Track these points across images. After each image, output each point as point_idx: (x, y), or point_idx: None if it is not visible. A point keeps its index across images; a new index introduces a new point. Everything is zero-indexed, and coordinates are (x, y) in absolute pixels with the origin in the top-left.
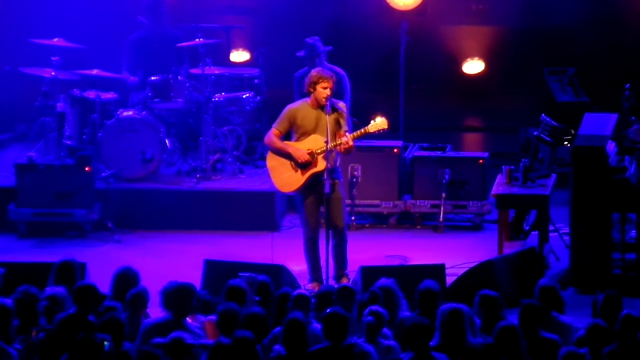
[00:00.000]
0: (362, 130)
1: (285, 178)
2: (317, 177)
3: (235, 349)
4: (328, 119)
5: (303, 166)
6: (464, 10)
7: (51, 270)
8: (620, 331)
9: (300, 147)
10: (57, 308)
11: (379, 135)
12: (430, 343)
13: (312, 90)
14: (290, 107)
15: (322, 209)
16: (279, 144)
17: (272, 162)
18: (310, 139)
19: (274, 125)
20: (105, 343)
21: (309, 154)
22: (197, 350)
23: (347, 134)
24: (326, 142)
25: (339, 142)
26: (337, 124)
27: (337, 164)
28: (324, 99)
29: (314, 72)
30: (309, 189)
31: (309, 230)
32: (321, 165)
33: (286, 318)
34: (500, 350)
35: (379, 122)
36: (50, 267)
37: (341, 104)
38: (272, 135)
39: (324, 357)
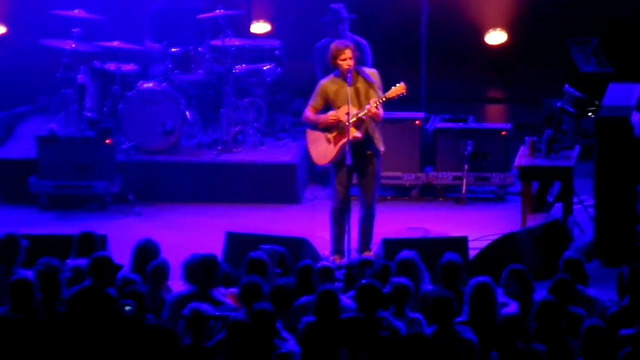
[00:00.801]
0: (382, 97)
1: (320, 151)
2: (351, 147)
3: (254, 323)
4: (349, 90)
5: (333, 129)
6: None
7: (72, 242)
8: None
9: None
10: (81, 280)
11: (401, 106)
12: (459, 318)
13: (335, 65)
14: (322, 82)
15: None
16: (312, 116)
17: (310, 136)
18: (341, 110)
19: (309, 102)
20: (127, 308)
21: (337, 121)
22: (215, 321)
23: (370, 102)
24: (347, 113)
25: (364, 111)
26: (371, 91)
27: (374, 135)
28: (345, 71)
29: (332, 46)
30: (343, 160)
31: (337, 200)
32: (350, 135)
33: (319, 289)
34: (527, 322)
35: (397, 87)
36: (71, 239)
37: (370, 72)
38: (307, 112)
39: (354, 327)
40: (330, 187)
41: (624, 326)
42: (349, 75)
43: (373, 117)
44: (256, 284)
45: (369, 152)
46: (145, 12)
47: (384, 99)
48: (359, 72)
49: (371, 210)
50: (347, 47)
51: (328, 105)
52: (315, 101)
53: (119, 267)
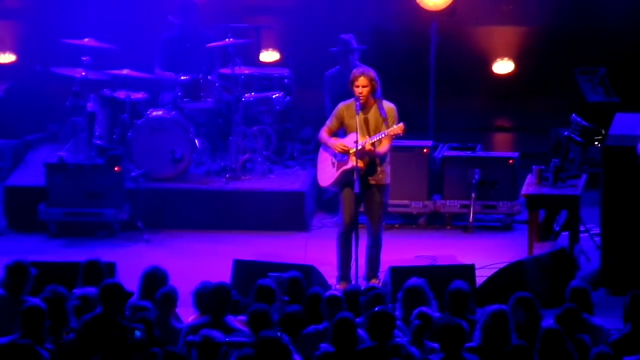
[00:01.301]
0: (382, 134)
1: (324, 172)
2: (349, 174)
3: (261, 352)
4: (359, 118)
5: (340, 159)
6: (493, 10)
7: (79, 269)
8: None
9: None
10: (89, 308)
11: (409, 134)
12: (470, 344)
13: (352, 91)
14: (341, 105)
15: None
16: (324, 138)
17: (321, 156)
18: (350, 136)
19: (326, 123)
20: (137, 331)
21: (342, 148)
22: (228, 348)
23: (367, 137)
24: (355, 142)
25: (360, 145)
26: (383, 125)
27: (381, 167)
28: (357, 98)
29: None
30: (346, 186)
31: (343, 226)
32: (351, 163)
33: (336, 317)
34: (534, 352)
35: (395, 127)
36: (79, 266)
37: (388, 107)
38: (323, 131)
39: (371, 357)
40: (338, 213)
41: (625, 353)
42: (357, 103)
43: (368, 153)
44: (264, 311)
45: (373, 182)
46: (155, 40)
47: (382, 136)
48: (377, 103)
49: (378, 239)
50: (361, 74)
51: (344, 128)
52: (331, 122)
53: (129, 294)
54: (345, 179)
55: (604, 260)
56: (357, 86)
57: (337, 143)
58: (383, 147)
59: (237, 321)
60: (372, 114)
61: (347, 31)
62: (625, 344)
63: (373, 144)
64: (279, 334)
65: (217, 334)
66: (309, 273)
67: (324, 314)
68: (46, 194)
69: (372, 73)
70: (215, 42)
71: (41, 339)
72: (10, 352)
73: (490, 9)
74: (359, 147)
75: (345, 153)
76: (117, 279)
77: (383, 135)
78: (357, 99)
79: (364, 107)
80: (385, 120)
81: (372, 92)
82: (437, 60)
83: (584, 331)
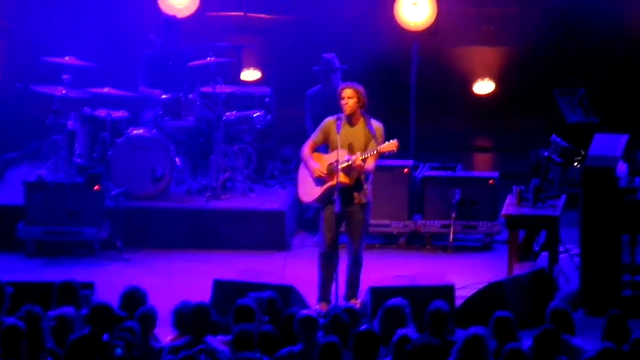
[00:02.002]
0: (374, 150)
1: (307, 188)
2: (332, 191)
3: None
4: (349, 131)
5: (318, 181)
6: (474, 31)
7: (53, 290)
8: (630, 354)
9: (325, 161)
10: (67, 328)
11: (390, 155)
12: None
13: (340, 105)
14: (328, 119)
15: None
16: (306, 156)
17: (301, 171)
18: (335, 152)
19: (311, 136)
20: (118, 349)
21: (328, 166)
22: None
23: (357, 153)
24: (336, 161)
25: (350, 160)
26: (371, 141)
27: (364, 186)
28: (345, 112)
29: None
30: (329, 203)
31: (324, 245)
32: (336, 180)
33: (323, 341)
34: None
35: (389, 144)
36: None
37: (376, 125)
38: (306, 146)
39: None
40: (318, 233)
41: None
42: (338, 120)
43: (357, 169)
44: (250, 332)
45: (356, 200)
46: (136, 58)
47: (374, 152)
48: (365, 120)
49: (358, 258)
50: (346, 86)
51: (327, 143)
52: (316, 136)
53: (120, 318)
54: (329, 196)
55: (583, 280)
56: (343, 97)
57: (316, 168)
58: (370, 164)
59: (217, 341)
60: (360, 129)
61: (329, 50)
62: None
63: (363, 160)
64: (258, 355)
65: (203, 357)
66: (289, 293)
67: (299, 335)
68: (25, 213)
69: (359, 86)
70: (197, 60)
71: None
72: None
73: (471, 29)
74: (350, 162)
75: (321, 178)
76: (96, 298)
77: (375, 152)
78: (340, 116)
79: (350, 121)
80: (374, 137)
81: (360, 104)
82: (418, 80)
83: (563, 352)
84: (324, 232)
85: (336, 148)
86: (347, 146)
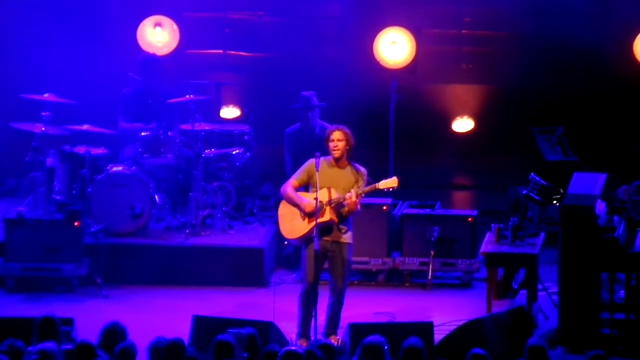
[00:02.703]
0: (372, 186)
1: (292, 225)
2: (324, 229)
3: None
4: (337, 174)
5: (310, 215)
6: (453, 69)
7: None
8: None
9: (310, 197)
10: None
11: (371, 192)
12: None
13: (327, 147)
14: (312, 161)
15: (325, 266)
16: (292, 193)
17: (283, 209)
18: (323, 191)
19: (294, 175)
20: None
21: (315, 202)
22: None
23: (352, 190)
24: (315, 199)
25: (344, 198)
26: (355, 184)
27: (347, 224)
28: (333, 154)
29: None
30: (311, 242)
31: (305, 284)
32: (327, 216)
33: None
34: None
35: (390, 180)
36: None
37: (362, 170)
38: (289, 185)
39: None
40: (300, 271)
41: None
42: (317, 161)
43: (351, 206)
44: None
45: (341, 240)
46: (115, 96)
47: (372, 188)
48: (350, 164)
49: (341, 297)
50: (336, 129)
51: (308, 185)
52: (299, 176)
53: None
54: (319, 234)
55: (562, 318)
56: (332, 140)
57: (307, 203)
58: (359, 205)
59: None
60: (348, 172)
61: (309, 88)
62: None
63: (358, 197)
64: None
65: None
66: (268, 329)
67: None
68: (4, 249)
69: (347, 129)
70: (176, 98)
71: None
72: None
73: (451, 67)
74: (350, 196)
75: (311, 214)
76: (75, 334)
77: (375, 187)
78: (332, 154)
79: (339, 163)
80: (362, 177)
81: (348, 147)
82: (397, 118)
83: None
84: (307, 271)
85: (323, 187)
86: (327, 188)
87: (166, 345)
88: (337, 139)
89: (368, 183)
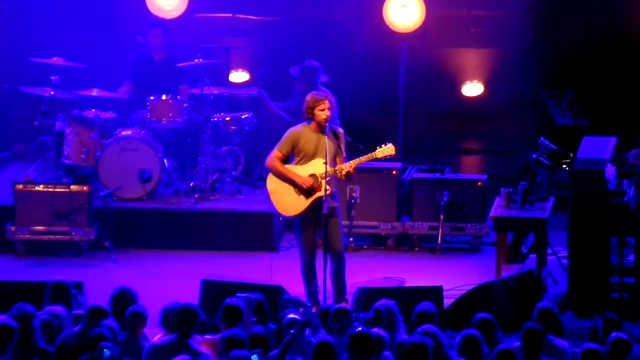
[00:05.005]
0: (369, 155)
1: (288, 201)
2: (319, 201)
3: None
4: (327, 142)
5: (307, 191)
6: (463, 33)
7: (45, 290)
8: (610, 354)
9: (303, 172)
10: (58, 327)
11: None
12: None
13: (310, 115)
14: (293, 130)
15: (320, 232)
16: (283, 168)
17: (274, 184)
18: (313, 163)
19: (277, 147)
20: (106, 350)
21: (312, 177)
22: None
23: (347, 160)
24: (326, 164)
25: (341, 167)
26: (338, 148)
27: (334, 188)
28: (323, 121)
29: (308, 97)
30: (309, 214)
31: (306, 256)
32: (325, 189)
33: (317, 341)
34: None
35: (386, 148)
36: (45, 285)
37: (340, 130)
38: (275, 159)
39: None
40: (297, 240)
41: None
42: (327, 125)
43: (348, 175)
44: (241, 337)
45: (334, 204)
46: (124, 60)
47: (370, 157)
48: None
49: (342, 260)
50: (325, 97)
51: (291, 154)
52: (283, 147)
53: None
54: (315, 206)
55: (571, 282)
56: (323, 109)
57: (303, 180)
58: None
59: (203, 341)
60: (330, 136)
61: (317, 52)
62: None
63: (351, 167)
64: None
65: (190, 358)
66: (277, 293)
67: (332, 329)
68: (13, 213)
69: (331, 96)
70: (185, 62)
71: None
72: None
73: (460, 31)
74: (349, 169)
75: (311, 189)
76: (84, 298)
77: (373, 156)
78: (323, 122)
79: (322, 128)
80: (341, 140)
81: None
82: (407, 82)
83: (547, 352)
84: (304, 244)
85: (306, 157)
86: (319, 158)
87: (179, 309)
88: (329, 108)
89: (360, 151)
